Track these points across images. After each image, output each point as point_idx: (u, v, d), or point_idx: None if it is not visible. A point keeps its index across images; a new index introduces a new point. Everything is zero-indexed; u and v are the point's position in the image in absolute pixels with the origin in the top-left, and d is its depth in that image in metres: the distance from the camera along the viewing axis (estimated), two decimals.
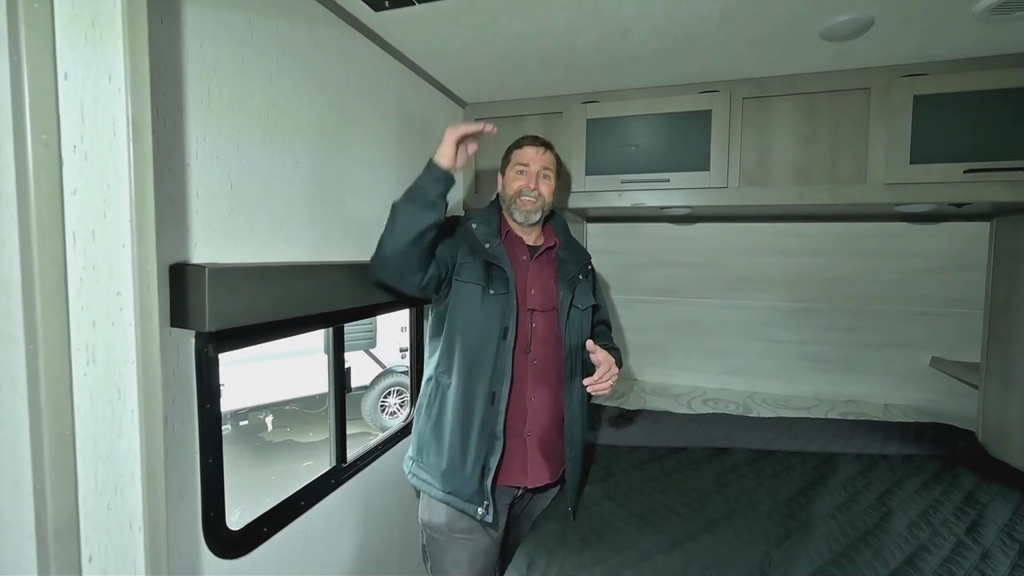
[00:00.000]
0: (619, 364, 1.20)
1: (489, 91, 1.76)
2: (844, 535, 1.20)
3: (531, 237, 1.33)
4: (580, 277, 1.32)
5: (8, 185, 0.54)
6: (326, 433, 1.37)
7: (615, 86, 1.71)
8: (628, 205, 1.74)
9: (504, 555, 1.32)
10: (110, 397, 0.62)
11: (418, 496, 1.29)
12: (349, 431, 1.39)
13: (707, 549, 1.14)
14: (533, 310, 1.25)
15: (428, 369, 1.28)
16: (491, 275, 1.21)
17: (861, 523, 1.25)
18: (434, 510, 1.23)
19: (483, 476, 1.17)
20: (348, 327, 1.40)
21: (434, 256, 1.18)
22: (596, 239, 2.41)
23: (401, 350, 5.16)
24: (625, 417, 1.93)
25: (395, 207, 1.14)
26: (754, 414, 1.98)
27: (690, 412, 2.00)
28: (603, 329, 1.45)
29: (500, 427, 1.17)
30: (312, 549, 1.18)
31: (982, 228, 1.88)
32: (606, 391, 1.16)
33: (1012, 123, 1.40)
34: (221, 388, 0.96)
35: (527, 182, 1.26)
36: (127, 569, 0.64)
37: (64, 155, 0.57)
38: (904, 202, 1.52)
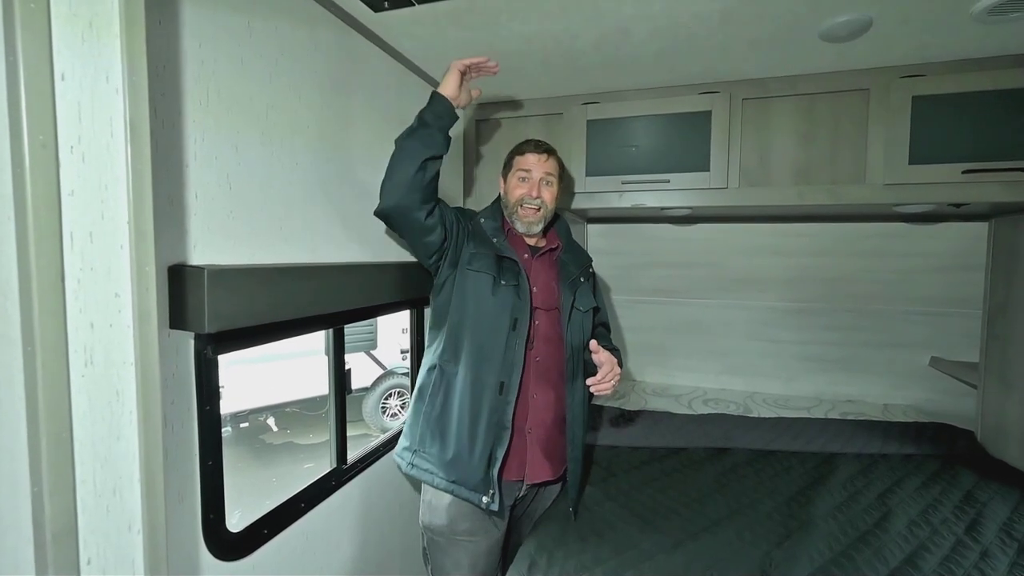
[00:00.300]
0: (620, 364, 1.20)
1: (489, 92, 1.76)
2: (844, 534, 1.20)
3: (532, 239, 1.34)
4: (581, 279, 1.32)
5: (5, 186, 0.54)
6: (327, 435, 1.37)
7: (615, 87, 1.71)
8: (628, 206, 1.74)
9: (505, 557, 1.32)
10: (108, 399, 0.62)
11: (417, 489, 1.28)
12: (351, 433, 1.38)
13: (708, 549, 1.14)
14: (536, 308, 1.25)
15: (430, 358, 1.27)
16: (502, 266, 1.22)
17: (861, 522, 1.25)
18: (435, 511, 1.22)
19: (489, 465, 1.17)
20: (349, 328, 1.40)
21: (438, 203, 1.20)
22: (596, 240, 2.41)
23: (402, 352, 5.16)
24: (626, 417, 1.93)
25: (398, 142, 1.16)
26: (754, 414, 1.98)
27: (690, 412, 2.00)
28: (602, 331, 1.46)
29: (509, 417, 1.17)
30: (312, 551, 1.17)
31: (981, 228, 1.89)
32: (608, 391, 1.16)
33: (1010, 124, 1.40)
34: (221, 390, 0.96)
35: (529, 190, 1.26)
36: (126, 571, 0.64)
37: (61, 156, 0.56)
38: (903, 202, 1.53)
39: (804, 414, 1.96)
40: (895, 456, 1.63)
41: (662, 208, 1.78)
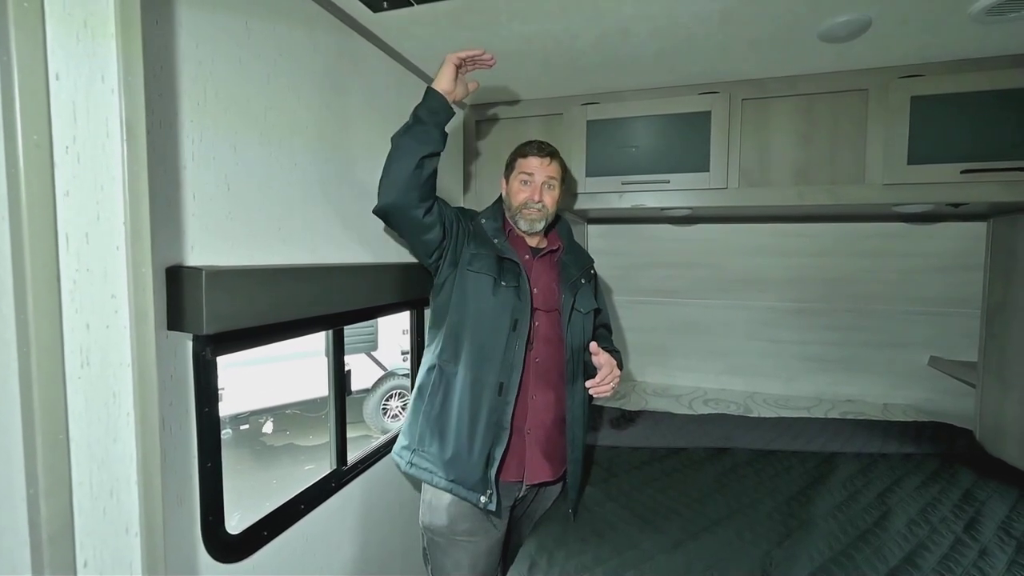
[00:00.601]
0: (620, 366, 1.20)
1: (489, 93, 1.76)
2: (844, 533, 1.20)
3: (534, 240, 1.33)
4: (582, 281, 1.32)
5: None
6: (327, 437, 1.36)
7: (615, 87, 1.71)
8: (628, 206, 1.74)
9: (506, 557, 1.32)
10: (105, 400, 0.61)
11: (417, 490, 1.28)
12: (351, 434, 1.38)
13: (708, 549, 1.14)
14: (536, 309, 1.24)
15: (430, 357, 1.27)
16: (503, 267, 1.21)
17: (861, 521, 1.25)
18: (435, 512, 1.22)
19: (487, 465, 1.16)
20: (349, 330, 1.39)
21: (436, 200, 1.19)
22: (597, 240, 2.41)
23: (403, 353, 5.15)
24: (626, 418, 1.93)
25: (394, 139, 1.14)
26: (754, 414, 1.98)
27: (691, 412, 2.00)
28: (603, 332, 1.45)
29: (508, 418, 1.17)
30: (312, 552, 1.17)
31: (979, 228, 1.89)
32: (608, 393, 1.16)
33: (1008, 124, 1.40)
34: (220, 392, 0.96)
35: (531, 194, 1.25)
36: (123, 573, 0.63)
37: (56, 156, 0.56)
38: (902, 202, 1.53)
39: (804, 414, 1.96)
40: (895, 455, 1.64)
41: (662, 208, 1.78)
